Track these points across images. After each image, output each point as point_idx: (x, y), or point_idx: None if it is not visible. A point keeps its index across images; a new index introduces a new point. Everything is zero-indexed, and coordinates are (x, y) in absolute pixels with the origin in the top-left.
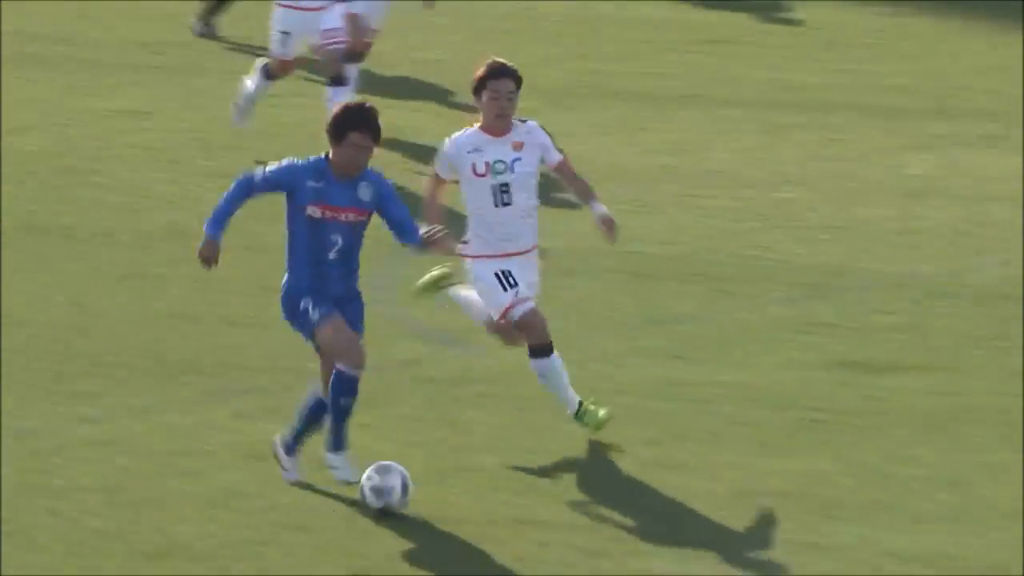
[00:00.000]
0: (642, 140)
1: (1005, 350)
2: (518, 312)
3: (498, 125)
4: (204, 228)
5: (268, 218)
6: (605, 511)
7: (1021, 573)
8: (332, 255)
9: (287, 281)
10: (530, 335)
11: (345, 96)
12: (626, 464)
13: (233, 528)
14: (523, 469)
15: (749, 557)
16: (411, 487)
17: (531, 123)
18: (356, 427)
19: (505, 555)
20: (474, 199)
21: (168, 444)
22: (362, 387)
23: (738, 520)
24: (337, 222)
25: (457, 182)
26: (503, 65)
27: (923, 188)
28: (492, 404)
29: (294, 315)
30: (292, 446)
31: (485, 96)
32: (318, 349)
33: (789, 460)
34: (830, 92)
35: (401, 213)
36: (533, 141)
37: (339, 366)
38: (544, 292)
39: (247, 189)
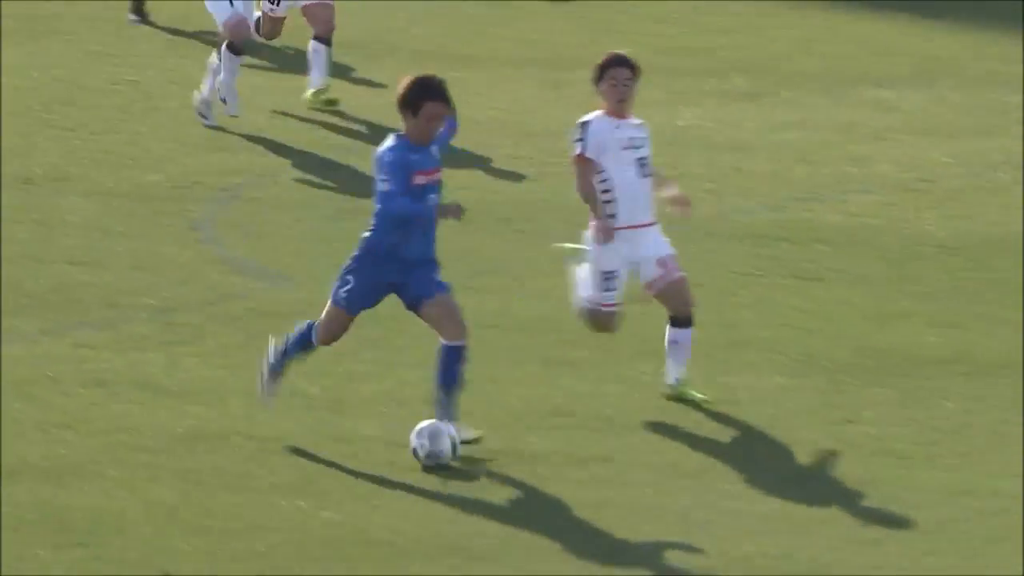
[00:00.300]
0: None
1: (769, 285)
2: (597, 311)
3: (620, 110)
4: (416, 214)
5: (111, 166)
6: (409, 425)
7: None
8: (428, 212)
9: (371, 238)
10: (595, 326)
11: (236, 64)
12: (426, 383)
13: (77, 449)
14: (338, 392)
15: (533, 466)
16: (454, 435)
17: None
18: (190, 356)
19: (316, 468)
20: (619, 172)
21: (14, 372)
22: (190, 320)
23: (525, 433)
24: (432, 183)
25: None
26: (620, 55)
27: (692, 138)
28: None
29: (343, 274)
30: (451, 415)
31: (605, 84)
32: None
33: (572, 379)
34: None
35: (444, 141)
36: (647, 134)
37: (315, 337)
38: None
39: (411, 205)
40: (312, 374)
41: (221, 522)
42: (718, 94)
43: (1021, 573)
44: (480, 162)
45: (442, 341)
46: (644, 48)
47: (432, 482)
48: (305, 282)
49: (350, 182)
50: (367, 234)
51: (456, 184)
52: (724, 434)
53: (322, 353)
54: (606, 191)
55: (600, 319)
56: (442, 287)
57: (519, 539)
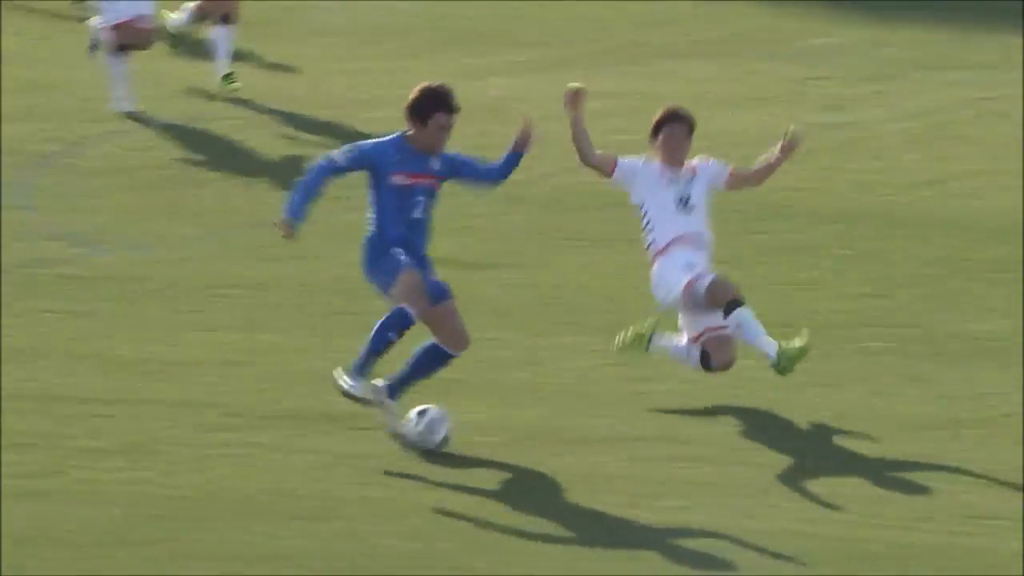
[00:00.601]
0: (265, 67)
1: (570, 248)
2: (701, 286)
3: (673, 163)
4: (284, 212)
5: None
6: (230, 385)
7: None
8: (418, 214)
9: (377, 234)
10: (715, 299)
11: (121, 65)
12: (243, 343)
13: None
14: (150, 353)
15: (363, 425)
16: (444, 419)
17: (696, 161)
18: (3, 320)
19: (128, 428)
20: (656, 205)
21: None
22: (1, 283)
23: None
24: (420, 186)
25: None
26: (677, 111)
27: (500, 107)
28: (124, 297)
29: (379, 260)
30: (396, 389)
31: (661, 139)
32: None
33: (398, 347)
34: (419, 22)
35: (476, 166)
36: (704, 172)
37: (412, 315)
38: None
39: (328, 171)
40: (132, 338)
41: (45, 485)
42: (529, 65)
43: (844, 532)
44: (306, 132)
45: (439, 343)
46: (461, 21)
47: (254, 441)
48: (117, 249)
49: (174, 152)
50: (369, 235)
51: (280, 153)
52: (528, 391)
53: (144, 317)
54: (646, 221)
55: (718, 288)
56: (447, 292)
57: (344, 498)
